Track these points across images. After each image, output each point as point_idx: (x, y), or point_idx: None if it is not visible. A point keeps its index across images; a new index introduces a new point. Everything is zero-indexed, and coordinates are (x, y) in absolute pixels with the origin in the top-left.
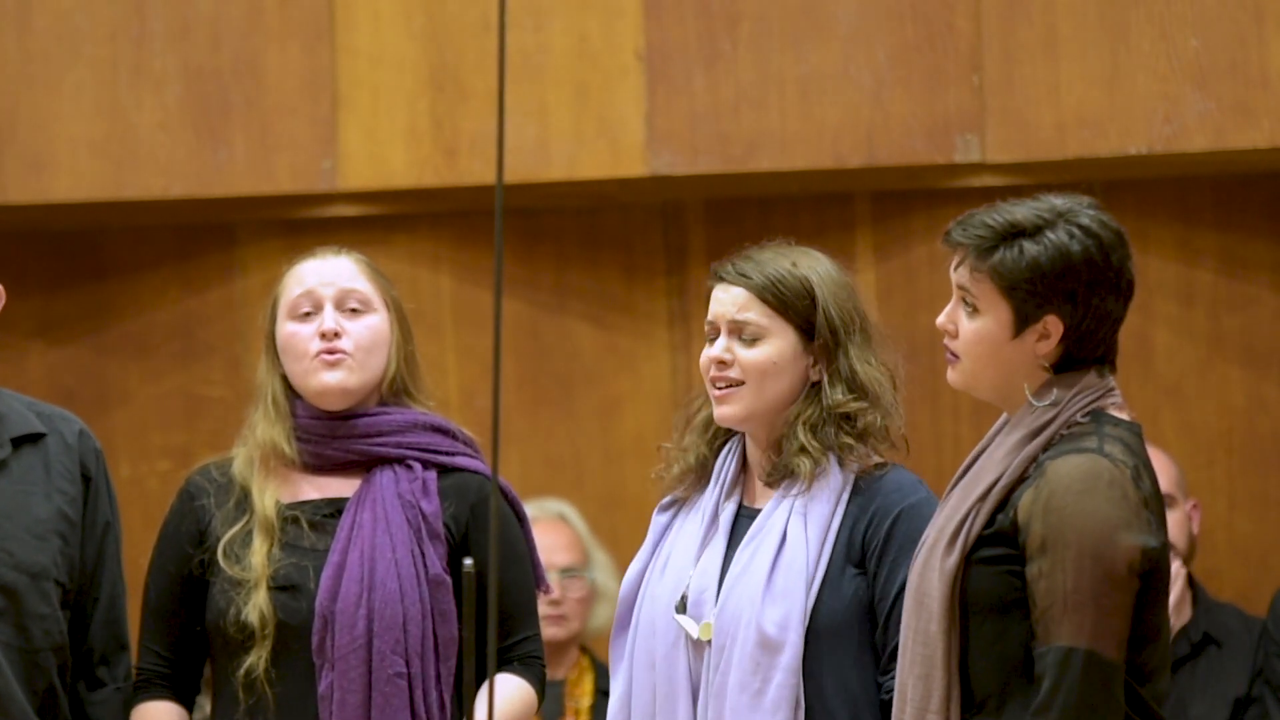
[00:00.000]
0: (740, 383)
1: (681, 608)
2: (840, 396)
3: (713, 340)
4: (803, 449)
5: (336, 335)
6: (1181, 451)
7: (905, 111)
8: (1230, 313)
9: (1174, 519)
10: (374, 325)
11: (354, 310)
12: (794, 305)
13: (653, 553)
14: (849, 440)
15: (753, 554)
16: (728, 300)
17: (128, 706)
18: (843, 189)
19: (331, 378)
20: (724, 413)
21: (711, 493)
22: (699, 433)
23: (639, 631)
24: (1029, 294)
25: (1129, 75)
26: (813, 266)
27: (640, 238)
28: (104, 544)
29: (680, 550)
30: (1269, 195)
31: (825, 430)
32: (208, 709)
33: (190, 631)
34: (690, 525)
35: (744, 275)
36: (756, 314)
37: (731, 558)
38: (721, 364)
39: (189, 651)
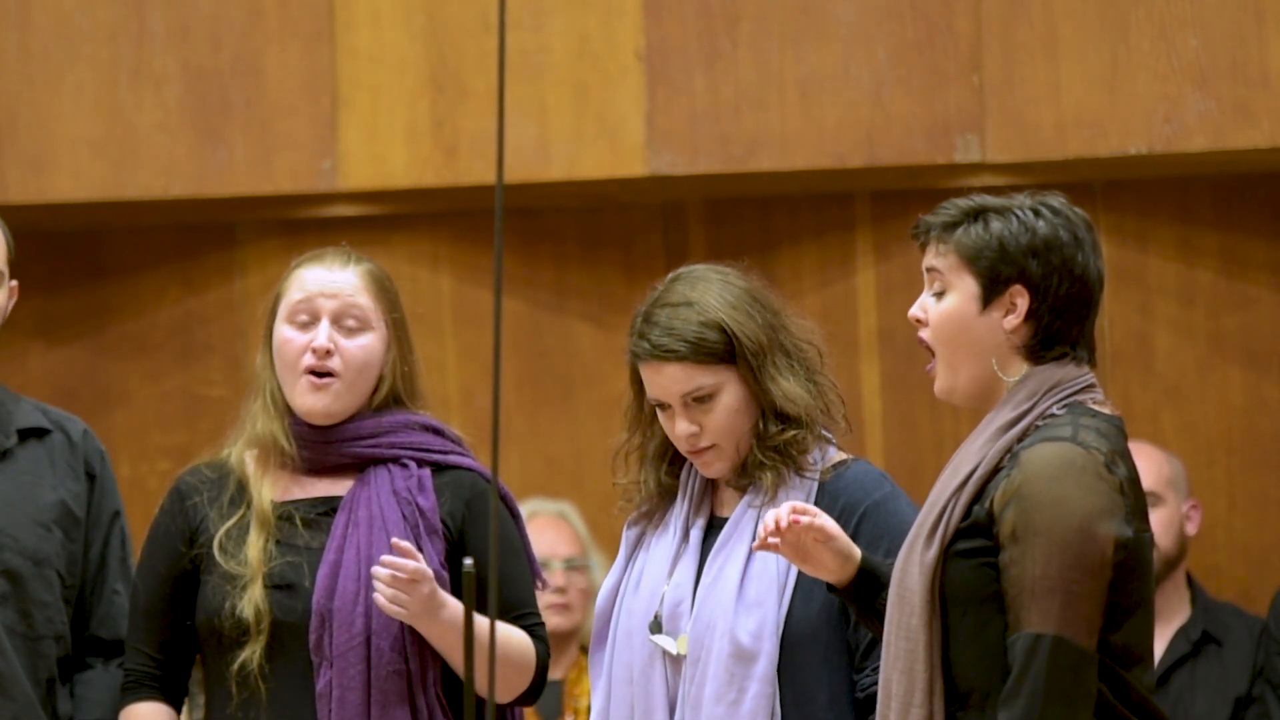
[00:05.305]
0: (715, 444)
1: (657, 627)
2: (774, 429)
3: (664, 409)
4: (761, 464)
5: (328, 354)
6: (1181, 451)
7: (905, 111)
8: (1230, 313)
9: (1161, 518)
10: (367, 345)
11: (350, 328)
12: (726, 347)
13: (626, 566)
14: (799, 454)
15: (722, 565)
16: (665, 381)
17: (117, 699)
18: (843, 189)
19: (316, 401)
20: (714, 472)
21: (680, 508)
22: (654, 461)
23: (616, 646)
24: (995, 263)
25: (1129, 75)
26: (709, 296)
27: (640, 238)
28: (109, 535)
29: (653, 568)
30: (1269, 195)
31: (778, 447)
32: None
33: (180, 631)
34: (661, 542)
35: (667, 350)
36: (702, 378)
37: (703, 570)
38: (693, 436)
39: (178, 652)
